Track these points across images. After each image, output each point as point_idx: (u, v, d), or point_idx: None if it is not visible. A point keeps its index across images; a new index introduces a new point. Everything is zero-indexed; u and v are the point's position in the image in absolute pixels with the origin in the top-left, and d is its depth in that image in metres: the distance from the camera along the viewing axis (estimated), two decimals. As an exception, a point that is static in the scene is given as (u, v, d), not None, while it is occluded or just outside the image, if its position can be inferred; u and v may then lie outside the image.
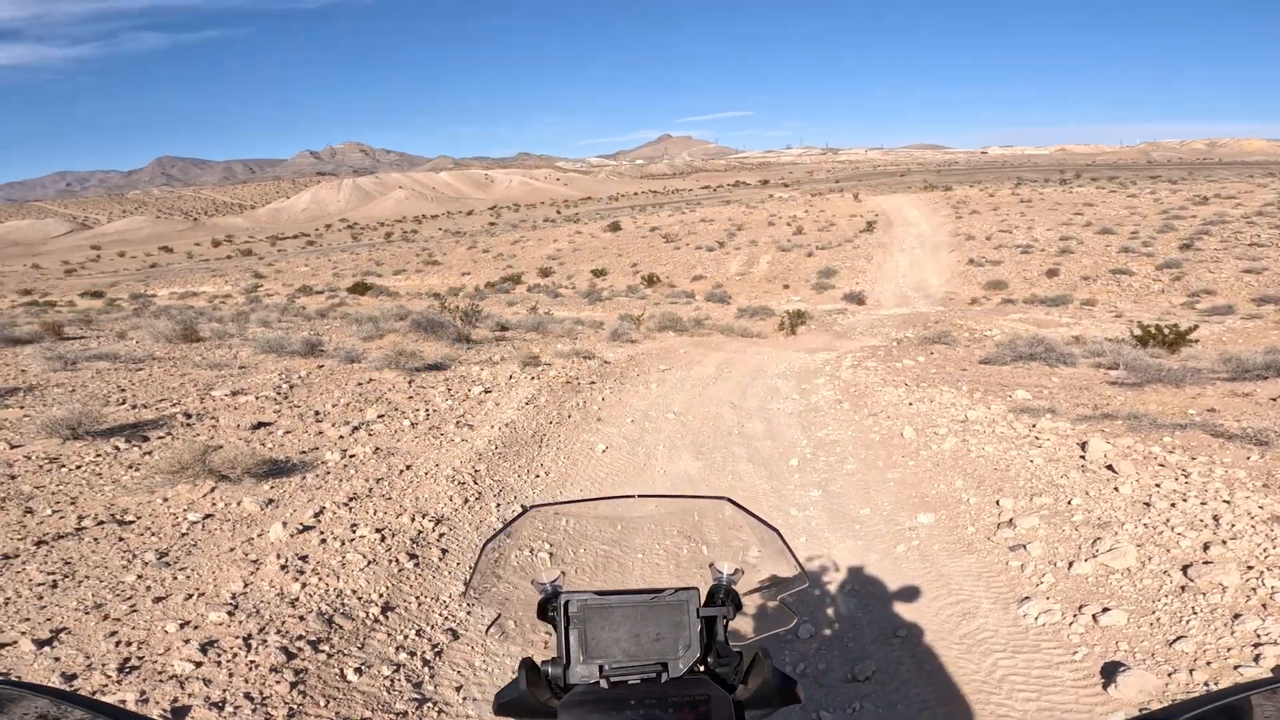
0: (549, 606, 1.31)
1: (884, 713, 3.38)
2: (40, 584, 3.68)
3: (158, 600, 3.64)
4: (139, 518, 4.82)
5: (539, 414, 8.31)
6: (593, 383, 10.21)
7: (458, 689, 3.50)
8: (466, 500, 5.72)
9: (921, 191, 70.31)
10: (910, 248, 40.97)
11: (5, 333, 13.56)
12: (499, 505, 5.78)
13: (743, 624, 1.41)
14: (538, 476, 6.56)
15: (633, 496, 1.61)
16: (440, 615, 4.12)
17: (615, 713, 1.14)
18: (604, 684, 1.20)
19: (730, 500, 1.45)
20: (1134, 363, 9.37)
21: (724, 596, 1.31)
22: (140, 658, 3.06)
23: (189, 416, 7.17)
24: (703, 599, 1.30)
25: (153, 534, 4.57)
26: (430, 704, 3.34)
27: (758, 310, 24.84)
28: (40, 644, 3.05)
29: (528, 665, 1.25)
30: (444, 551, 4.90)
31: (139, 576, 3.91)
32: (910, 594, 4.45)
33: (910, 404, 8.46)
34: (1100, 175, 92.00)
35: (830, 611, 4.34)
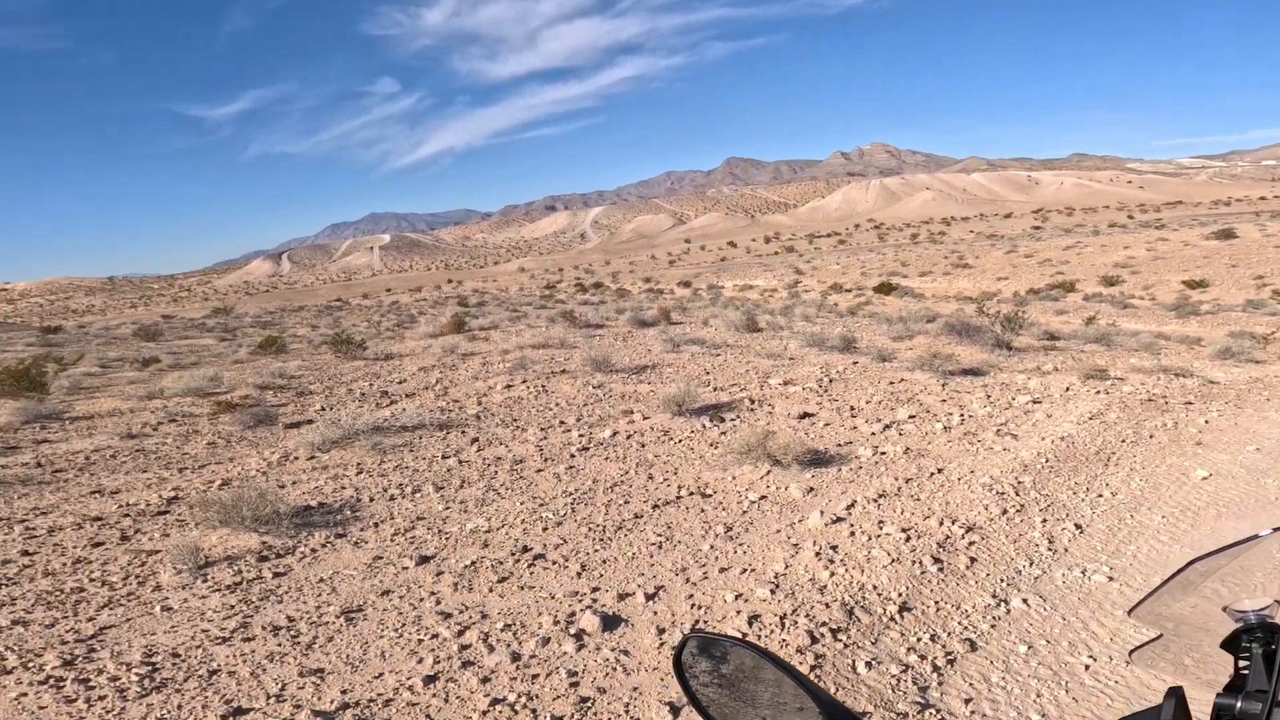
0: (1246, 637, 1.24)
1: None
2: (652, 544, 5.11)
3: (722, 571, 4.65)
4: (715, 492, 6.13)
5: (1106, 430, 7.47)
6: (1189, 403, 8.66)
7: (966, 701, 3.45)
8: (1005, 511, 5.52)
9: None
10: None
11: (639, 316, 18.41)
12: (1045, 520, 5.41)
13: None
14: (1100, 496, 5.90)
15: None
16: (959, 624, 4.11)
17: None
18: None
19: None
20: None
21: None
22: (705, 621, 4.01)
23: (753, 402, 8.64)
24: None
25: (723, 509, 5.78)
26: (933, 710, 3.38)
27: None
28: (648, 598, 4.29)
29: (1178, 695, 1.20)
30: (972, 560, 4.85)
31: (711, 547, 5.04)
32: None
33: None
34: None
35: None
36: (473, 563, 4.87)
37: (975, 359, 11.35)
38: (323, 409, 9.25)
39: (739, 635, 3.88)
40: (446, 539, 5.30)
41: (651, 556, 4.91)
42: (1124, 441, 7.28)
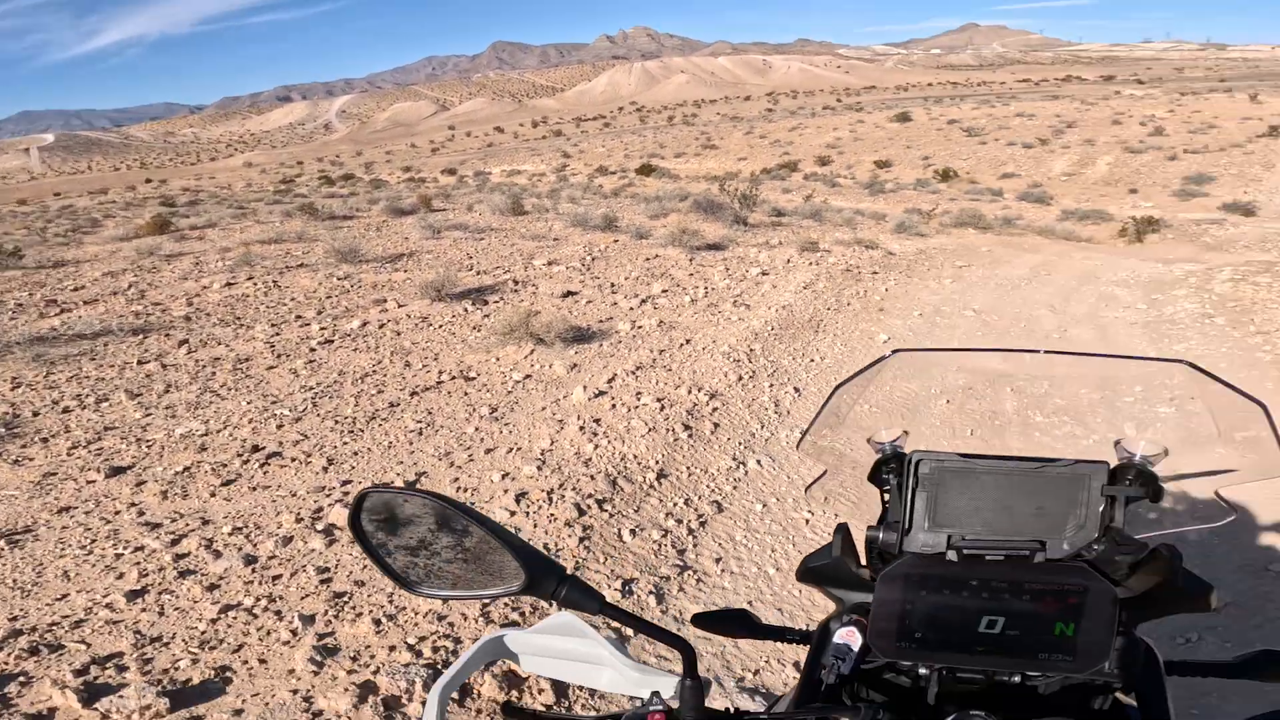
0: (884, 468, 1.20)
1: (1232, 648, 2.92)
2: (411, 431, 4.83)
3: (487, 452, 4.55)
4: (479, 375, 5.93)
5: (816, 299, 8.23)
6: (875, 273, 9.86)
7: (717, 560, 3.77)
8: (740, 378, 5.92)
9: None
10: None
11: (396, 205, 16.97)
12: (771, 385, 5.89)
13: (1151, 514, 1.21)
14: (812, 361, 6.53)
15: (1037, 352, 1.39)
16: (708, 487, 4.41)
17: (949, 590, 0.95)
18: (952, 555, 1.03)
19: (1191, 364, 1.15)
20: None
21: (1134, 478, 1.12)
22: (473, 503, 3.92)
23: (517, 284, 8.42)
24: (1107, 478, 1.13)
25: (487, 390, 5.62)
26: (690, 571, 3.69)
27: (1090, 214, 21.98)
28: (408, 485, 4.07)
29: (844, 531, 1.16)
30: (716, 426, 5.20)
31: (476, 429, 4.89)
32: None
33: (1332, 324, 6.87)
34: None
35: None
36: (186, 468, 4.28)
37: (718, 234, 12.00)
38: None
39: (418, 486, 3.82)
40: (148, 447, 4.58)
41: (411, 444, 4.64)
42: (829, 309, 7.99)
